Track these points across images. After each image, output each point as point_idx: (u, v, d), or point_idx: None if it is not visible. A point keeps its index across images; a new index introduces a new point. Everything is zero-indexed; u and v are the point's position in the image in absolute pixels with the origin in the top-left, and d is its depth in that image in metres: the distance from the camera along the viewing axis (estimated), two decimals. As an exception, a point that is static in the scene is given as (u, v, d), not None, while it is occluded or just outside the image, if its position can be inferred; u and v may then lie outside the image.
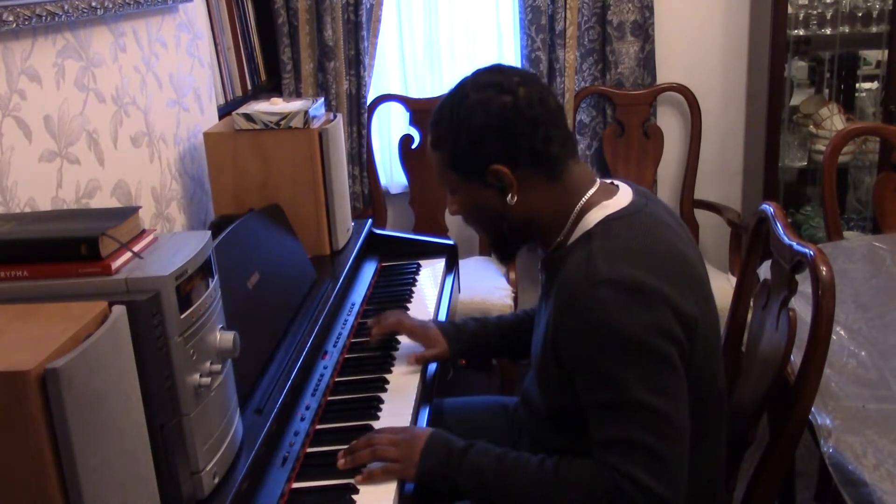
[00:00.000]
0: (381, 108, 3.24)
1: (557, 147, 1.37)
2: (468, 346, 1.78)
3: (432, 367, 1.78)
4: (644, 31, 3.08)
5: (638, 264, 1.28)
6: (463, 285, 2.46)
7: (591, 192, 1.40)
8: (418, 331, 1.78)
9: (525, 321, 1.77)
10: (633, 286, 1.26)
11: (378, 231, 2.38)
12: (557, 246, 1.41)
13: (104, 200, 1.71)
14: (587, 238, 1.34)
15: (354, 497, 1.34)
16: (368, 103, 3.14)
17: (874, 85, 3.27)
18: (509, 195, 1.38)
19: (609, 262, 1.28)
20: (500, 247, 1.53)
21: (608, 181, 1.45)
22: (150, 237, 1.17)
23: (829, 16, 3.03)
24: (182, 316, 1.10)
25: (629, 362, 1.26)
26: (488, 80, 1.38)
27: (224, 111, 2.42)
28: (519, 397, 1.70)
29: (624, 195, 1.41)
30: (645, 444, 1.24)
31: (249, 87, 2.82)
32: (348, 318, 1.92)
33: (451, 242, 2.38)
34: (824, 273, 1.38)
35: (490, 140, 1.36)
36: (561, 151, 1.38)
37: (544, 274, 1.47)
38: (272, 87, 3.05)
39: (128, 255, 1.10)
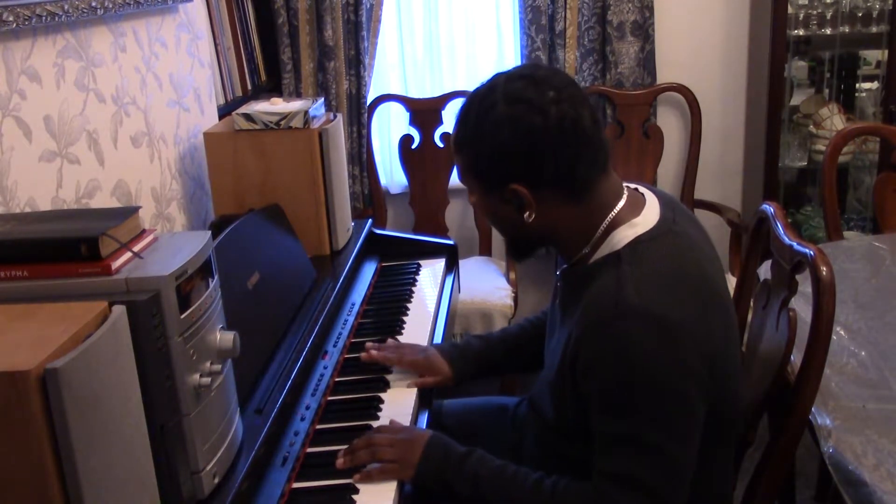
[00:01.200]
0: (381, 108, 3.24)
1: (584, 168, 1.31)
2: (473, 367, 1.72)
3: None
4: (644, 31, 3.08)
5: (667, 296, 1.25)
6: (463, 285, 2.46)
7: (618, 207, 1.34)
8: (420, 363, 1.69)
9: (530, 331, 1.74)
10: (662, 321, 1.23)
11: (378, 231, 2.38)
12: (580, 260, 1.37)
13: (104, 200, 1.71)
14: (616, 260, 1.30)
15: (354, 497, 1.34)
16: (368, 103, 3.14)
17: (874, 85, 3.27)
18: (527, 213, 1.33)
19: (639, 291, 1.24)
20: (516, 249, 1.48)
21: (633, 187, 1.41)
22: (150, 237, 1.17)
23: (829, 16, 3.03)
24: (182, 316, 1.10)
25: (646, 400, 1.24)
26: (521, 93, 1.29)
27: (224, 111, 2.42)
28: (526, 399, 1.69)
29: (651, 210, 1.36)
30: (646, 483, 1.25)
31: (249, 87, 2.82)
32: (348, 318, 1.92)
33: (451, 242, 2.38)
34: (824, 273, 1.38)
35: (512, 160, 1.30)
36: (588, 172, 1.31)
37: (563, 284, 1.43)
38: (272, 87, 3.05)
39: (128, 255, 1.10)
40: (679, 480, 1.27)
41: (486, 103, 1.31)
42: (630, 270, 1.27)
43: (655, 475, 1.25)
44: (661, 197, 1.41)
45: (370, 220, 2.36)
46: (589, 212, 1.34)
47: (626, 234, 1.32)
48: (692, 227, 1.41)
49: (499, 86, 1.32)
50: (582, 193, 1.32)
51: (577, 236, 1.36)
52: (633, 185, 1.41)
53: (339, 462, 1.40)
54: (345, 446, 1.43)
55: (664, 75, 3.19)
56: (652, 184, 3.20)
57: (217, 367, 1.18)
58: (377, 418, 1.55)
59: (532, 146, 1.28)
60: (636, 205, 1.36)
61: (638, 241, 1.31)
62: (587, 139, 1.30)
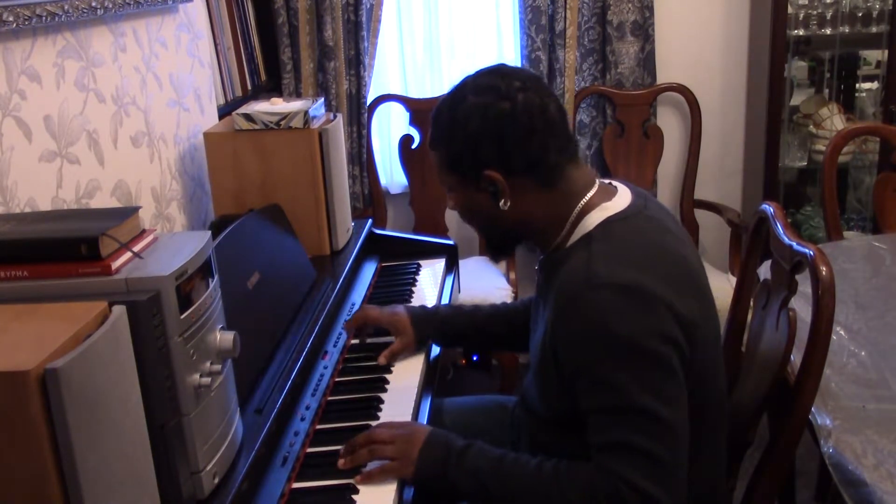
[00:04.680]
0: (381, 108, 3.24)
1: (554, 155, 1.36)
2: (436, 330, 1.78)
3: (433, 363, 1.78)
4: (644, 31, 3.08)
5: (638, 267, 1.27)
6: (463, 285, 2.46)
7: (589, 194, 1.39)
8: (385, 318, 1.79)
9: (504, 312, 1.78)
10: (633, 289, 1.25)
11: (378, 231, 2.38)
12: (556, 248, 1.40)
13: (104, 200, 1.71)
14: (587, 240, 1.34)
15: (354, 497, 1.34)
16: (368, 103, 3.14)
17: (874, 85, 3.27)
18: (502, 200, 1.38)
19: (609, 264, 1.27)
20: (494, 246, 1.53)
21: (606, 181, 1.44)
22: (150, 237, 1.17)
23: (829, 16, 3.03)
24: (182, 316, 1.10)
25: (628, 366, 1.25)
26: (488, 84, 1.36)
27: (224, 111, 2.42)
28: (518, 397, 1.70)
29: (623, 196, 1.40)
30: (644, 448, 1.24)
31: (249, 87, 2.82)
32: (348, 318, 1.92)
33: (451, 242, 2.38)
34: (824, 273, 1.38)
35: (484, 146, 1.35)
36: (558, 159, 1.36)
37: (542, 275, 1.46)
38: (272, 87, 3.05)
39: (128, 255, 1.10)
40: (676, 441, 1.27)
41: (456, 99, 1.39)
42: (600, 247, 1.31)
43: (651, 439, 1.25)
44: (632, 188, 1.45)
45: (370, 220, 2.37)
46: (561, 199, 1.38)
47: (597, 217, 1.36)
48: (665, 216, 1.44)
49: (468, 83, 1.40)
50: (553, 180, 1.37)
51: (551, 224, 1.40)
52: (606, 180, 1.45)
53: (340, 462, 1.40)
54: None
55: (664, 75, 3.19)
56: (652, 184, 3.22)
57: (217, 367, 1.18)
58: (377, 418, 1.55)
59: (501, 131, 1.34)
60: (608, 193, 1.41)
61: (608, 221, 1.35)
62: (554, 125, 1.36)
